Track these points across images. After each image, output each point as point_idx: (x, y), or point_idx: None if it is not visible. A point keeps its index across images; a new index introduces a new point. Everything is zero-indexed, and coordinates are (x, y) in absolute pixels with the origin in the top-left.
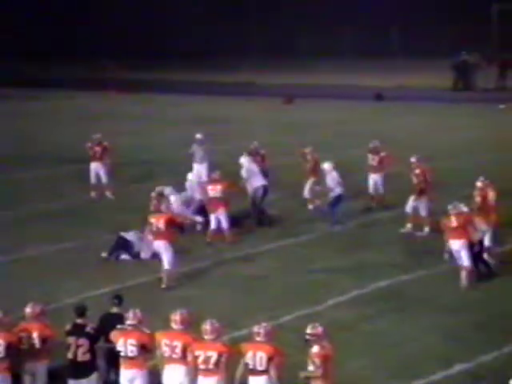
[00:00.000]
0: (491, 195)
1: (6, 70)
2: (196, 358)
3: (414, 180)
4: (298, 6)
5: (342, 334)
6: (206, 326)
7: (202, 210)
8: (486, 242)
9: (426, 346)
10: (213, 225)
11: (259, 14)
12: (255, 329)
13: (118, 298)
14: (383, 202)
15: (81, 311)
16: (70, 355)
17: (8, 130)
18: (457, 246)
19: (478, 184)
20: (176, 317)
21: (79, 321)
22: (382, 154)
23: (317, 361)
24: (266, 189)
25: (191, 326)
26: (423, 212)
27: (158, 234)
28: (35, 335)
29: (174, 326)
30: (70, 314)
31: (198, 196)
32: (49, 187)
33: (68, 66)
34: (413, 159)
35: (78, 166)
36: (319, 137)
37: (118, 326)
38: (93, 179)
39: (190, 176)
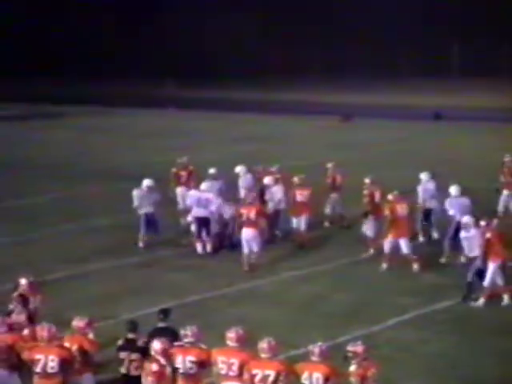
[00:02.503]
0: (399, 208)
1: (67, 88)
2: (253, 376)
3: (364, 201)
4: (356, 26)
5: (399, 355)
6: (264, 345)
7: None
8: None
9: (484, 369)
10: (295, 224)
11: (317, 34)
12: (310, 348)
13: (164, 312)
14: (342, 221)
15: (132, 326)
16: (123, 370)
17: (70, 146)
18: None
19: (389, 197)
20: (232, 334)
21: (131, 336)
22: (336, 174)
23: (353, 380)
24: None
25: (247, 344)
26: (368, 233)
27: (248, 223)
28: (74, 348)
29: (229, 343)
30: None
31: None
32: (111, 202)
33: (128, 84)
34: (367, 180)
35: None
36: (375, 155)
37: (176, 344)
38: (181, 204)
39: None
